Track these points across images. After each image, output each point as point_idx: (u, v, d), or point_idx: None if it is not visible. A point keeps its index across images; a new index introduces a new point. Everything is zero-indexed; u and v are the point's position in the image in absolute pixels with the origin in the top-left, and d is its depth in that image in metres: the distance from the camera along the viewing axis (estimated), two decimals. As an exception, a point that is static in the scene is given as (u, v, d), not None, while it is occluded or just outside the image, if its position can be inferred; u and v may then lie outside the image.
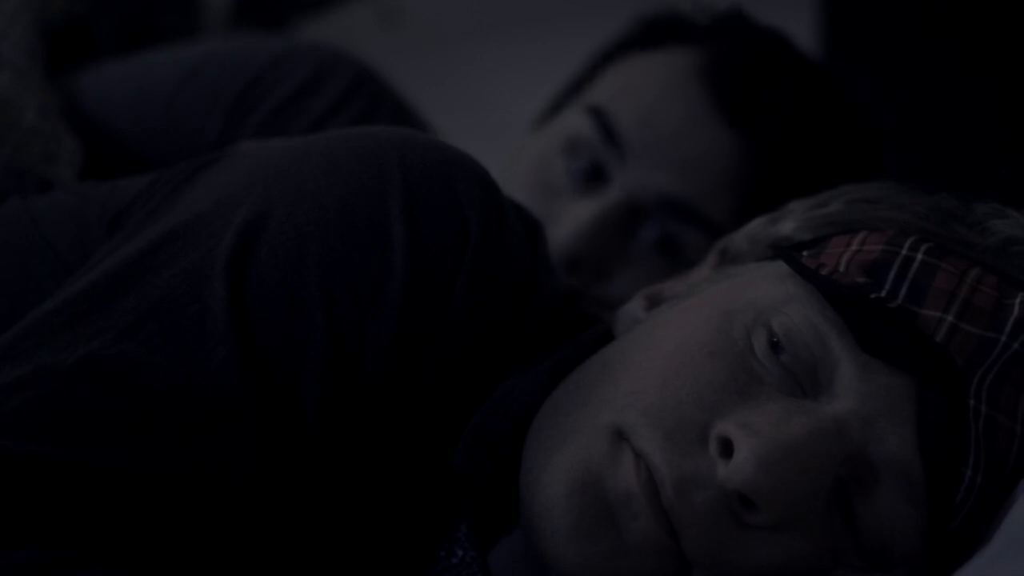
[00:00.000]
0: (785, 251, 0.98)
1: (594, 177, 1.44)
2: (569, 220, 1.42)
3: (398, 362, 0.94)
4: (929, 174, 1.06)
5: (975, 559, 0.92)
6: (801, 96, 1.43)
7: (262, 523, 0.95)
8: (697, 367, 0.93)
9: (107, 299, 0.93)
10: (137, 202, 1.03)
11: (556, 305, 1.02)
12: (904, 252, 0.95)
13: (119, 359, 0.91)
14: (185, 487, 0.91)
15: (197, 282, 0.92)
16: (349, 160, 0.96)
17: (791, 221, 1.02)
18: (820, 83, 1.46)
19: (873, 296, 0.93)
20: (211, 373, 0.91)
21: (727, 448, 0.90)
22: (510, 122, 1.59)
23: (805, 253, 0.98)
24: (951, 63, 1.90)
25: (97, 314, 0.92)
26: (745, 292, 0.97)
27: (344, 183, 0.94)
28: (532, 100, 1.70)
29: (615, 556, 0.91)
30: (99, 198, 1.06)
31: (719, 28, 1.49)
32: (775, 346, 0.93)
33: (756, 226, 1.05)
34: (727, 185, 1.41)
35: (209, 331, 0.91)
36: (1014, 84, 1.86)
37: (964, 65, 1.89)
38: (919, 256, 0.95)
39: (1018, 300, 0.95)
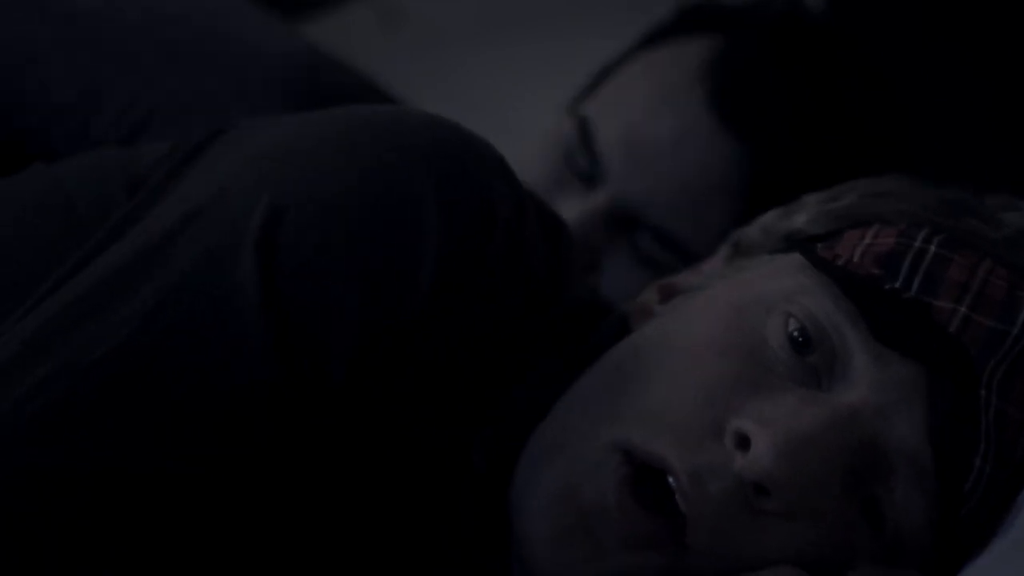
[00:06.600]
0: (800, 242, 0.99)
1: (586, 179, 1.43)
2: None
3: (424, 349, 0.94)
4: (930, 174, 1.06)
5: (985, 554, 0.92)
6: (803, 94, 1.39)
7: (265, 522, 0.95)
8: (709, 367, 0.94)
9: (128, 286, 0.91)
10: (156, 169, 1.01)
11: (578, 306, 1.03)
12: (918, 244, 0.96)
13: (143, 350, 0.89)
14: (198, 480, 0.91)
15: (224, 260, 0.90)
16: (378, 137, 0.94)
17: (804, 214, 1.02)
18: (829, 76, 1.42)
19: (888, 287, 0.94)
20: (242, 353, 0.89)
21: (744, 442, 0.91)
22: (510, 122, 1.58)
23: (819, 246, 0.98)
24: (951, 63, 1.90)
25: (119, 301, 0.90)
26: (758, 285, 0.97)
27: (377, 160, 0.93)
28: (532, 100, 1.70)
29: (594, 560, 0.92)
30: (120, 163, 1.04)
31: (736, 16, 1.46)
32: (789, 336, 0.94)
33: (769, 218, 1.05)
34: (722, 192, 1.39)
35: (238, 309, 0.89)
36: (1014, 84, 1.86)
37: (964, 65, 1.89)
38: (932, 248, 0.96)
39: None
